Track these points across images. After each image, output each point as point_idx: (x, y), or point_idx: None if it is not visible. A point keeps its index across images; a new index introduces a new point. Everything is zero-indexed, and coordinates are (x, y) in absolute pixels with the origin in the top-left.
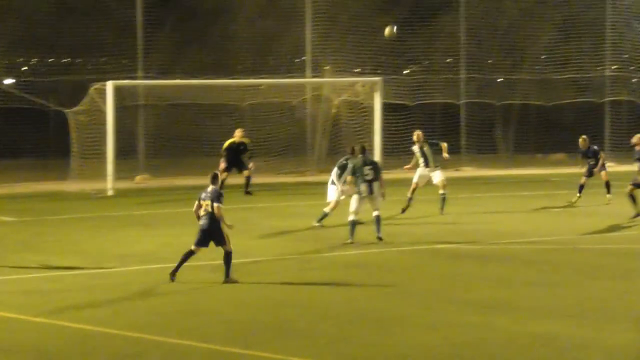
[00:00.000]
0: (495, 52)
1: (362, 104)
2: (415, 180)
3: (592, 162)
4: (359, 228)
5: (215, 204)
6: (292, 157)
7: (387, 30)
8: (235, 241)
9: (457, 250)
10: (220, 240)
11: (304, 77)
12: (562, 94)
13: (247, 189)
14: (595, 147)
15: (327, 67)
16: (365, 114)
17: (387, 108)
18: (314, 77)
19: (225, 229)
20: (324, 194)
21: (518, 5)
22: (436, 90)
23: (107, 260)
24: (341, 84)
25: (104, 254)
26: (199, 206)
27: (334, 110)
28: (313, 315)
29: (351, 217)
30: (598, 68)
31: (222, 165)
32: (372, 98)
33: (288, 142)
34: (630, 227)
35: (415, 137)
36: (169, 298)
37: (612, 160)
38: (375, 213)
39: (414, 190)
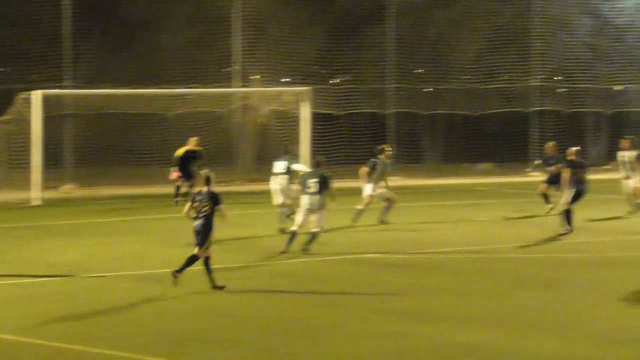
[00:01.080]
0: (423, 63)
1: (290, 113)
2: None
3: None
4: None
5: (221, 206)
6: (220, 166)
7: None
8: (159, 250)
9: (384, 260)
10: (203, 242)
11: (232, 86)
12: (488, 103)
13: (176, 198)
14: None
15: (256, 77)
16: (294, 123)
17: (315, 118)
18: (242, 86)
19: (212, 236)
20: (251, 202)
21: (446, 16)
22: (364, 100)
23: (33, 270)
24: (269, 94)
25: (30, 263)
26: (192, 208)
27: (261, 120)
28: (238, 324)
29: (293, 228)
30: (524, 78)
31: (174, 174)
32: (300, 108)
33: (215, 151)
34: (557, 236)
35: (382, 151)
36: (93, 307)
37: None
38: (314, 229)
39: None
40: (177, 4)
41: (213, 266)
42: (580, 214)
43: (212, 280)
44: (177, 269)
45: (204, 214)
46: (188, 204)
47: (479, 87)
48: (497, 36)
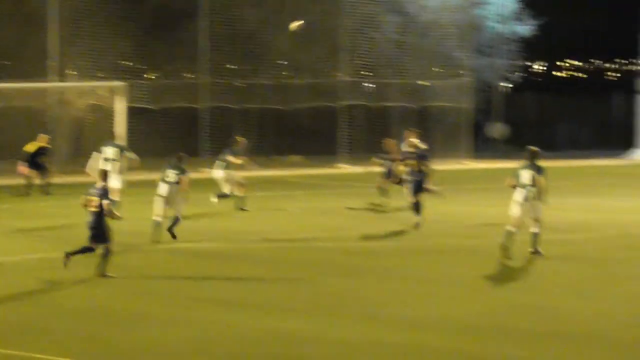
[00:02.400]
0: (235, 58)
1: (105, 107)
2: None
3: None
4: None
5: (104, 202)
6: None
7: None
8: None
9: (196, 249)
10: (102, 239)
11: (48, 81)
12: (299, 98)
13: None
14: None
15: (71, 72)
16: (109, 117)
17: (131, 112)
18: (58, 81)
19: (109, 228)
20: (66, 194)
21: (258, 13)
22: (178, 95)
23: None
24: (85, 89)
25: None
26: (87, 201)
27: (77, 114)
28: (55, 312)
29: (154, 218)
30: (333, 73)
31: (23, 169)
32: (115, 102)
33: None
34: (367, 226)
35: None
36: None
37: (348, 162)
38: (175, 214)
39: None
40: None
41: (29, 256)
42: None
43: (103, 268)
44: (70, 251)
45: (95, 208)
46: (83, 197)
47: (289, 82)
48: (307, 33)
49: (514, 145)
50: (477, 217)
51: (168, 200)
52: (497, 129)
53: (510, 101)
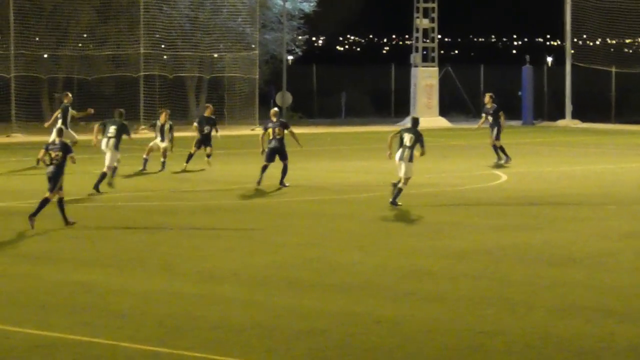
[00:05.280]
0: (41, 31)
1: None
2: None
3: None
4: None
5: (69, 155)
6: None
7: None
8: None
9: (6, 208)
10: (54, 186)
11: None
12: (102, 68)
13: None
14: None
15: None
16: None
17: None
18: None
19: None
20: None
21: None
22: None
23: None
24: None
25: None
26: (46, 155)
27: None
28: None
29: (104, 170)
30: (134, 46)
31: None
32: None
33: None
34: (167, 187)
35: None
36: None
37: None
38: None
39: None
40: None
41: None
42: (177, 166)
43: (64, 218)
44: (32, 212)
45: (56, 161)
46: (42, 151)
47: (93, 53)
48: (108, 7)
49: (299, 112)
50: (267, 179)
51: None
52: (282, 98)
53: (295, 72)
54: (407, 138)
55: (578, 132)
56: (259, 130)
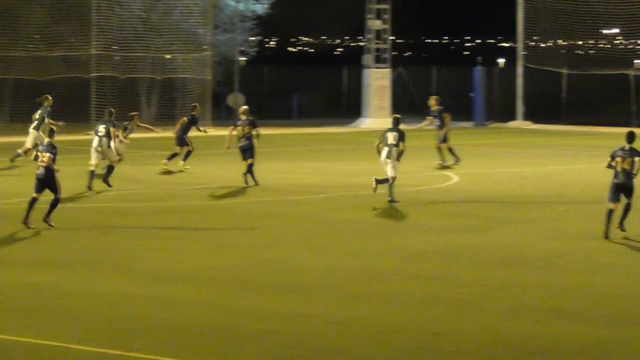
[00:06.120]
0: None
1: None
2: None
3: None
4: None
5: (47, 154)
6: None
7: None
8: None
9: None
10: (53, 188)
11: None
12: (53, 69)
13: None
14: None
15: None
16: None
17: None
18: None
19: (59, 179)
20: None
21: None
22: None
23: None
24: None
25: None
26: (37, 157)
27: None
28: None
29: (90, 168)
30: (85, 47)
31: None
32: None
33: None
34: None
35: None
36: None
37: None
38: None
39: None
40: None
41: None
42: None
43: (48, 214)
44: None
45: (43, 162)
46: (34, 152)
47: (44, 54)
48: (59, 8)
49: (252, 113)
50: (218, 180)
51: (101, 152)
52: (235, 99)
53: (248, 73)
54: (391, 137)
55: (529, 133)
56: (212, 132)
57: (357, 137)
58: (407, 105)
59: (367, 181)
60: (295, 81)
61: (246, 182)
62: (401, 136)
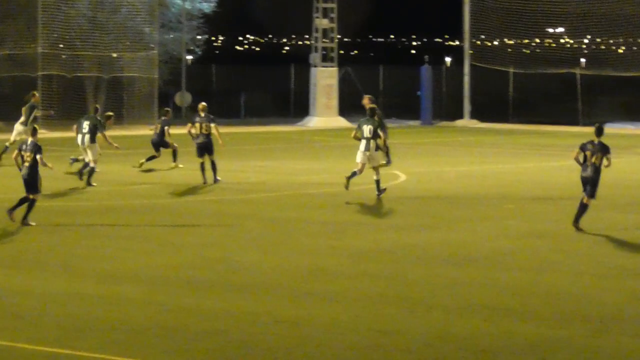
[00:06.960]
0: None
1: None
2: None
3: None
4: None
5: (38, 156)
6: None
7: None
8: None
9: None
10: (34, 189)
11: None
12: (1, 68)
13: None
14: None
15: None
16: None
17: None
18: None
19: (41, 180)
20: None
21: None
22: None
23: None
24: None
25: None
26: (20, 156)
27: None
28: None
29: (81, 157)
30: (32, 45)
31: None
32: None
33: None
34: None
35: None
36: None
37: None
38: (91, 165)
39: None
40: None
41: None
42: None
43: (26, 215)
44: (17, 212)
45: (28, 162)
46: (16, 152)
47: None
48: (5, 6)
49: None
50: (167, 179)
51: (85, 149)
52: (182, 98)
53: (195, 72)
54: (367, 130)
55: (476, 132)
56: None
57: (305, 136)
58: (354, 104)
59: (311, 179)
60: (242, 80)
61: (205, 178)
62: (379, 126)
